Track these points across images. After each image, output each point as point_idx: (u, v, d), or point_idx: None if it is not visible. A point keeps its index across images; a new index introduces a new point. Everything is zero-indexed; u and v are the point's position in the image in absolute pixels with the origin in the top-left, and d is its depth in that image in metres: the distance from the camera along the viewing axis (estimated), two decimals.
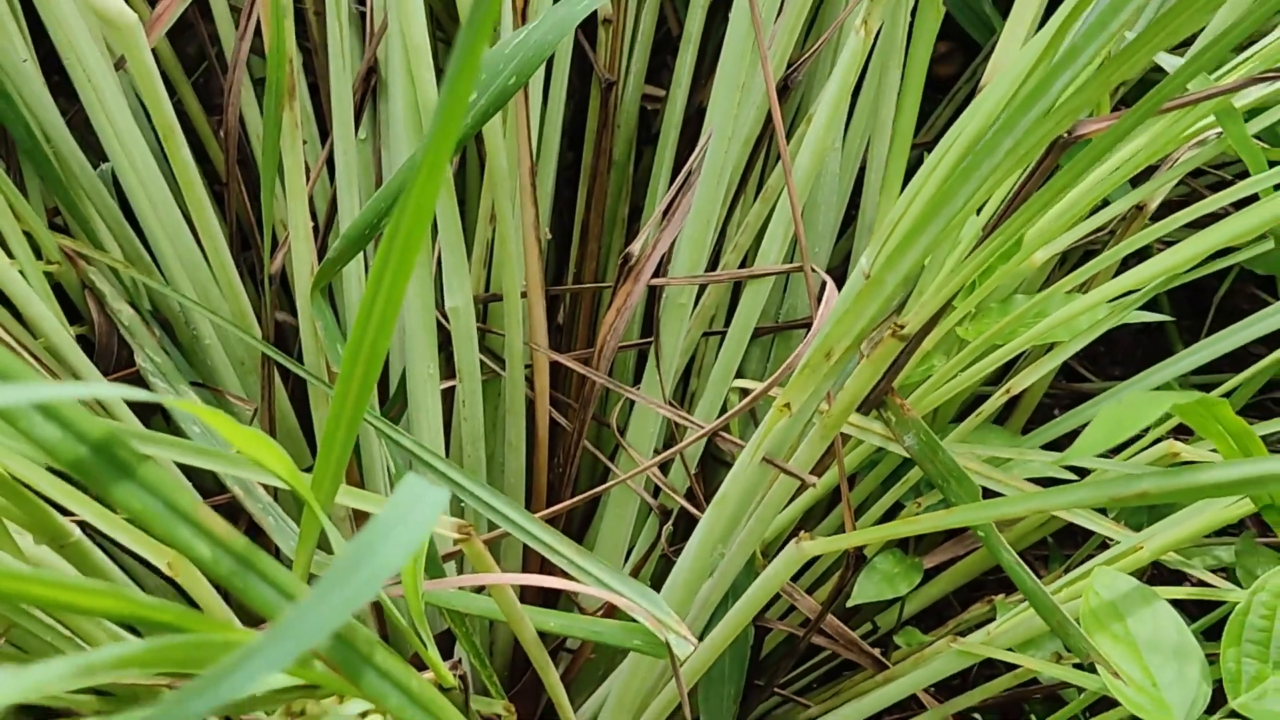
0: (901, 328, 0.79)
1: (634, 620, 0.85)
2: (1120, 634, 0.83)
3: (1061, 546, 1.26)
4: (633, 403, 1.05)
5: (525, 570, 1.12)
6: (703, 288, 1.05)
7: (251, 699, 0.77)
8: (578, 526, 1.17)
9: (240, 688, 0.39)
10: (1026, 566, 0.84)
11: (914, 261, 0.73)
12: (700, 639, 0.93)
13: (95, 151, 1.05)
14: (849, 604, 1.07)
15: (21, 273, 0.96)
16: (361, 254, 0.95)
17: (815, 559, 1.14)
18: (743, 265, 1.02)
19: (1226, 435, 0.76)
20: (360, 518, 1.04)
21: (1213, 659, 0.83)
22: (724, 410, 1.02)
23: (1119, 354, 1.53)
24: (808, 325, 1.02)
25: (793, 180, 0.90)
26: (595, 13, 1.08)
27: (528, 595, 1.10)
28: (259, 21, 1.02)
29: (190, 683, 0.39)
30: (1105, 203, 1.02)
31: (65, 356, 1.00)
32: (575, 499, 0.97)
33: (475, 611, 0.87)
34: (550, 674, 0.88)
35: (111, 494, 0.48)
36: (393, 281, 0.48)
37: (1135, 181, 1.05)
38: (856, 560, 0.96)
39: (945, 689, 1.11)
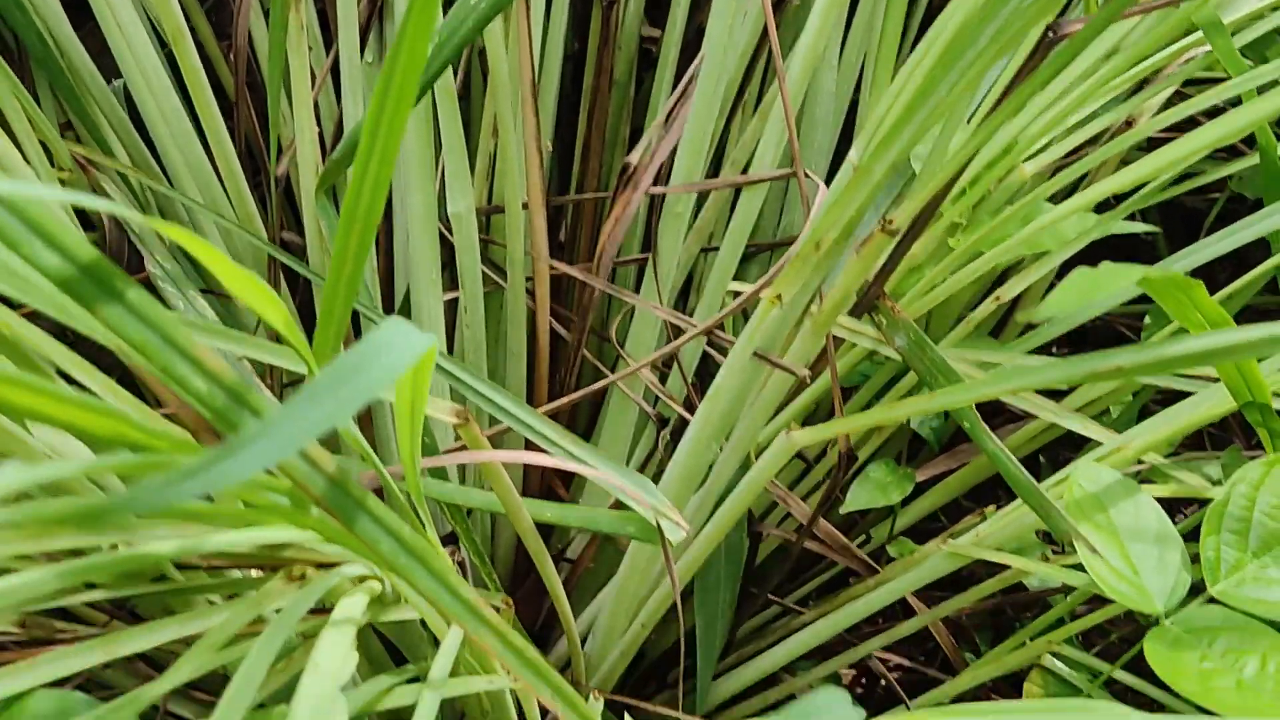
0: (890, 222, 0.81)
1: (629, 510, 0.87)
2: (1103, 523, 0.85)
3: (1054, 467, 1.27)
4: (632, 313, 1.07)
5: (525, 470, 1.14)
6: (701, 200, 1.07)
7: (254, 579, 0.79)
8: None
9: (207, 486, 0.40)
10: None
11: (901, 151, 0.74)
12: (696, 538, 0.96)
13: (107, 73, 1.08)
14: (842, 510, 1.09)
15: (37, 176, 0.99)
16: None
17: (810, 469, 1.17)
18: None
19: (1204, 322, 0.78)
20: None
21: (1196, 560, 0.85)
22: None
23: None
24: None
25: (785, 86, 0.92)
26: None
27: (528, 493, 1.12)
28: None
29: (155, 476, 0.41)
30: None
31: None
32: (574, 395, 0.99)
33: (474, 504, 0.90)
34: (547, 566, 0.90)
35: (102, 315, 0.50)
36: (391, 116, 0.50)
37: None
38: (848, 462, 0.98)
39: (936, 598, 1.13)
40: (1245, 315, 1.24)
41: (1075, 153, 1.03)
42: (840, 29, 1.08)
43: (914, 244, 0.94)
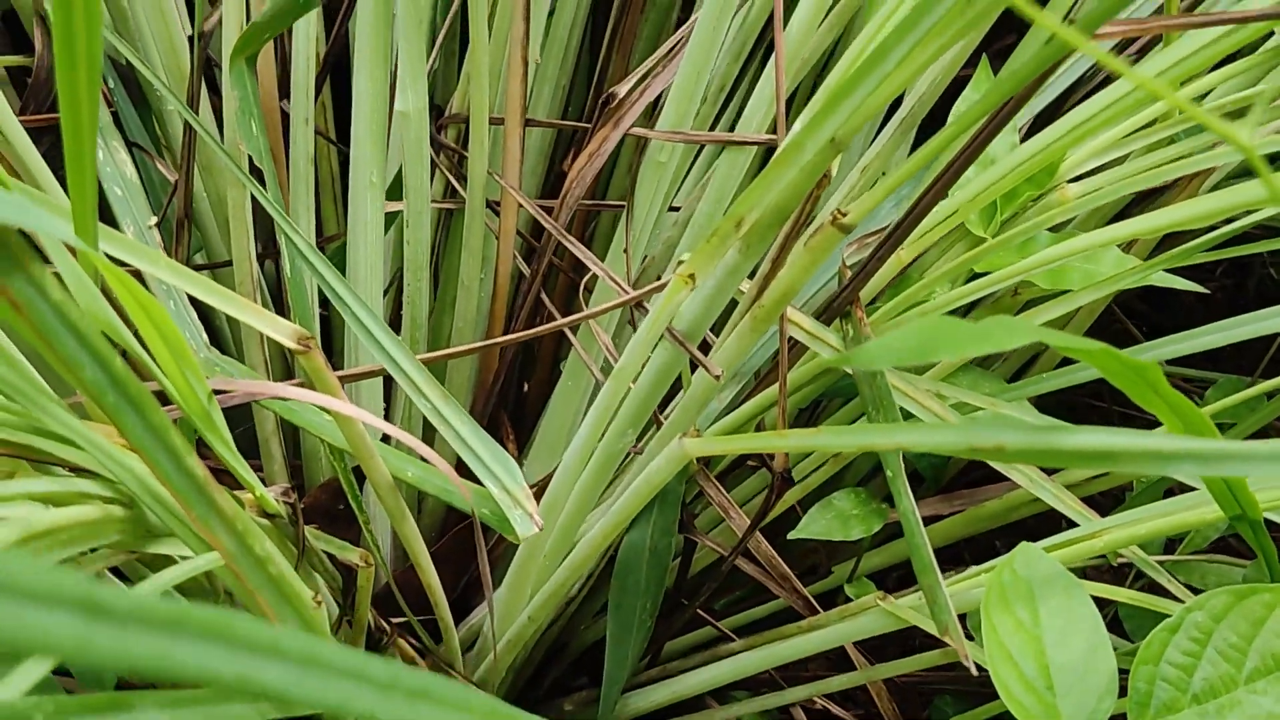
0: (843, 214, 0.67)
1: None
2: (1026, 621, 0.70)
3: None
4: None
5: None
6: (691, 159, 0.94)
7: None
8: (533, 403, 1.07)
9: None
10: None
11: (843, 126, 0.61)
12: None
13: None
14: (790, 536, 0.95)
15: None
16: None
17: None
18: None
19: (1171, 414, 0.62)
20: None
21: None
22: None
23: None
24: None
25: (780, 38, 0.78)
26: None
27: None
28: None
29: None
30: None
31: None
32: (513, 335, 0.86)
33: (319, 433, 0.79)
34: (407, 524, 0.79)
35: None
36: None
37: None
38: (781, 484, 0.84)
39: (882, 654, 0.99)
40: None
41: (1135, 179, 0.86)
42: None
43: (896, 249, 0.79)
